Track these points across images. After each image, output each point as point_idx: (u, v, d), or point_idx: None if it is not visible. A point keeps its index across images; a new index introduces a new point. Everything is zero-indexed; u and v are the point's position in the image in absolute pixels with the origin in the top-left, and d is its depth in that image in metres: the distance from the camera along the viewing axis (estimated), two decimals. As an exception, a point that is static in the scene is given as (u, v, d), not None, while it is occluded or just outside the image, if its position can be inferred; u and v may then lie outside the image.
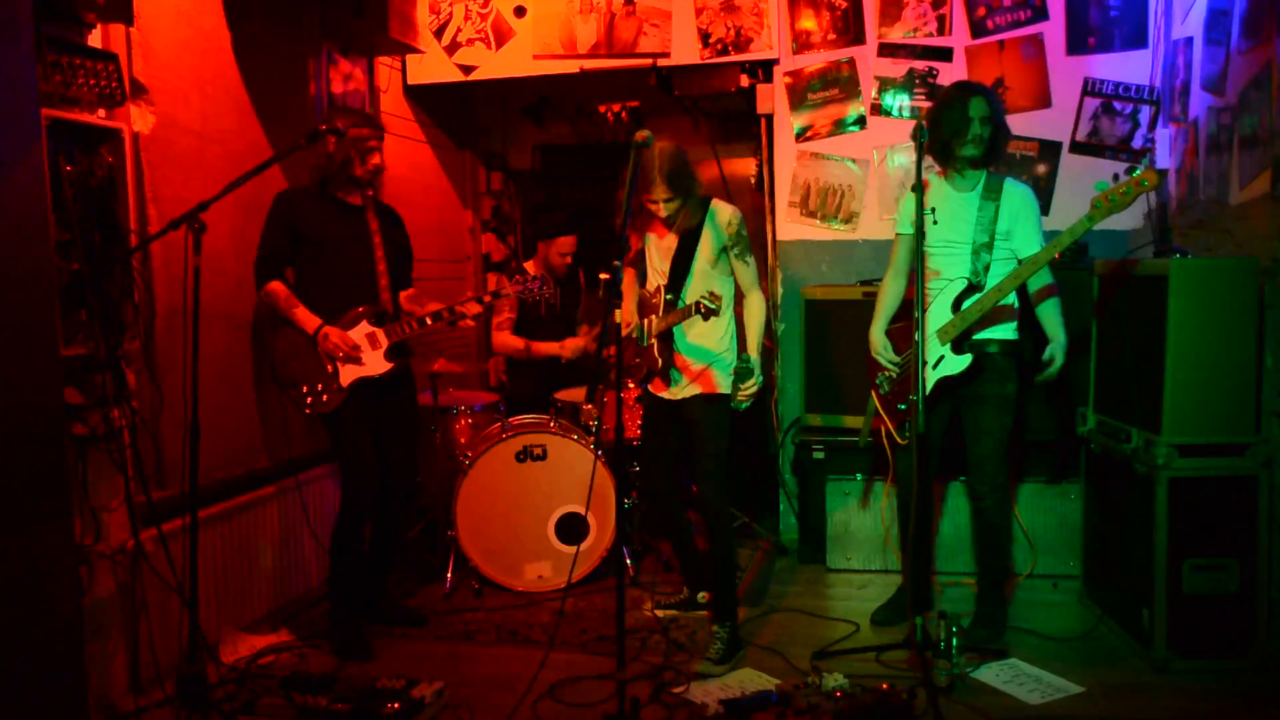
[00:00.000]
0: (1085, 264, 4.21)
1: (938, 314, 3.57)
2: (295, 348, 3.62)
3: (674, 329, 3.61)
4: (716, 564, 3.67)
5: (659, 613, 3.99)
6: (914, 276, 3.31)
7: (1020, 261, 3.52)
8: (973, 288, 3.54)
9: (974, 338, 3.57)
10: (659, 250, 3.67)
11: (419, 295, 3.90)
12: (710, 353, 3.60)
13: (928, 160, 3.59)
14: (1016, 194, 3.58)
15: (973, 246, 3.54)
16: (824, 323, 4.58)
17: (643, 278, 3.83)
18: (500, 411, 4.51)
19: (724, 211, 3.58)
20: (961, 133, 3.50)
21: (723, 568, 3.66)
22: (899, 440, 3.71)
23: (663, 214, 3.52)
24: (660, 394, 3.72)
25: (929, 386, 3.56)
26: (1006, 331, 3.61)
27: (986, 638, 3.63)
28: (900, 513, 4.01)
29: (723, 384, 3.60)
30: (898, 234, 3.78)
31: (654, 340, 3.65)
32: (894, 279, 3.80)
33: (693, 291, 3.56)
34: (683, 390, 3.64)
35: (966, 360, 3.55)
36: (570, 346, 4.85)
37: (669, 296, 3.62)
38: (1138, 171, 3.48)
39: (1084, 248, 4.32)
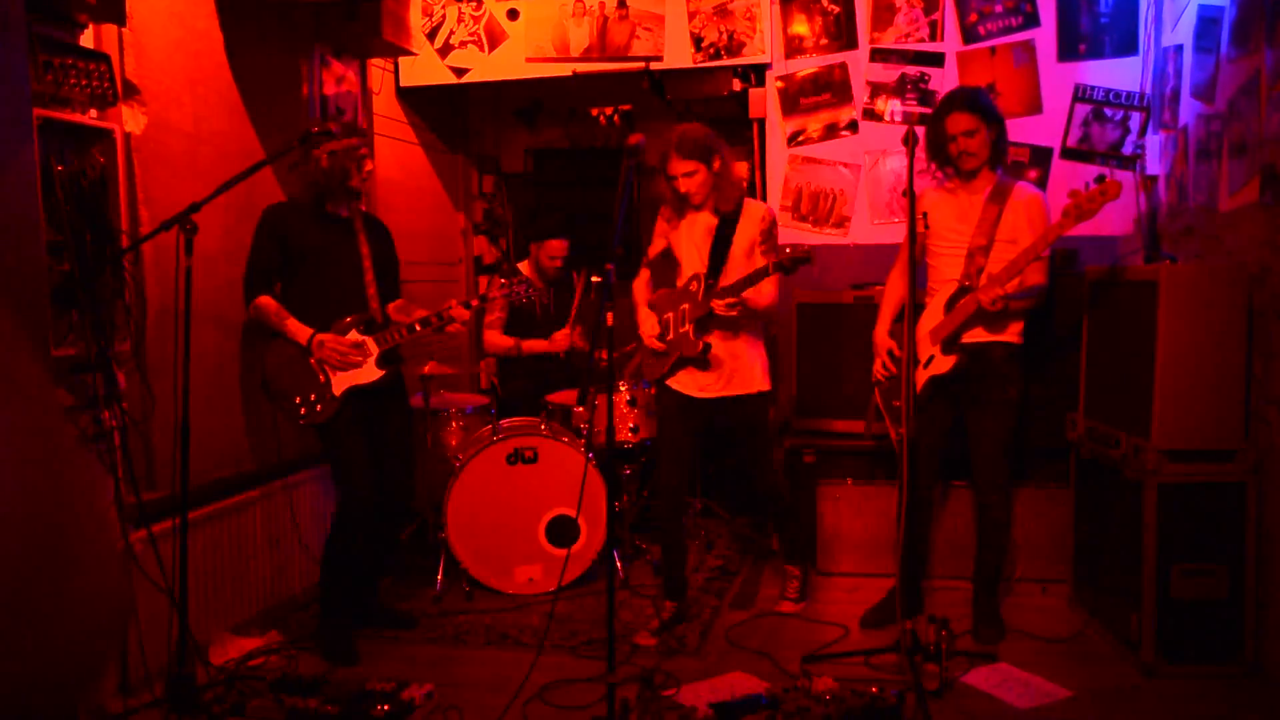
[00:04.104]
0: (1076, 270, 4.22)
1: (933, 315, 3.60)
2: (287, 360, 3.61)
3: (708, 326, 3.66)
4: (785, 515, 4.06)
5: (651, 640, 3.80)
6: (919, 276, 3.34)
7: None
8: (963, 290, 3.56)
9: (979, 341, 3.60)
10: (692, 240, 3.72)
11: (406, 305, 3.90)
12: (747, 349, 3.72)
13: (929, 166, 3.66)
14: (1024, 200, 3.57)
15: (969, 249, 3.57)
16: (815, 327, 4.58)
17: (664, 279, 3.86)
18: (491, 414, 4.50)
19: (758, 207, 3.72)
20: (946, 149, 3.57)
21: (790, 517, 4.06)
22: (894, 436, 3.74)
23: (686, 189, 3.55)
24: (689, 393, 3.75)
25: (920, 385, 3.59)
26: (1009, 335, 3.63)
27: (994, 635, 3.67)
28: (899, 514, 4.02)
29: (761, 380, 3.75)
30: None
31: (690, 325, 3.67)
32: (901, 277, 3.81)
33: (731, 275, 3.61)
34: (722, 390, 3.71)
35: (950, 361, 3.59)
36: (559, 340, 4.84)
37: (710, 282, 3.65)
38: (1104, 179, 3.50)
39: (1075, 253, 4.33)
